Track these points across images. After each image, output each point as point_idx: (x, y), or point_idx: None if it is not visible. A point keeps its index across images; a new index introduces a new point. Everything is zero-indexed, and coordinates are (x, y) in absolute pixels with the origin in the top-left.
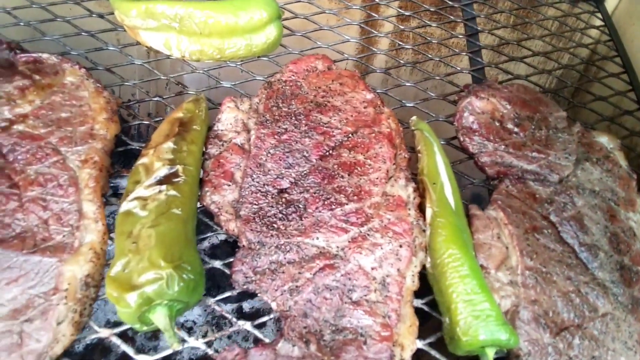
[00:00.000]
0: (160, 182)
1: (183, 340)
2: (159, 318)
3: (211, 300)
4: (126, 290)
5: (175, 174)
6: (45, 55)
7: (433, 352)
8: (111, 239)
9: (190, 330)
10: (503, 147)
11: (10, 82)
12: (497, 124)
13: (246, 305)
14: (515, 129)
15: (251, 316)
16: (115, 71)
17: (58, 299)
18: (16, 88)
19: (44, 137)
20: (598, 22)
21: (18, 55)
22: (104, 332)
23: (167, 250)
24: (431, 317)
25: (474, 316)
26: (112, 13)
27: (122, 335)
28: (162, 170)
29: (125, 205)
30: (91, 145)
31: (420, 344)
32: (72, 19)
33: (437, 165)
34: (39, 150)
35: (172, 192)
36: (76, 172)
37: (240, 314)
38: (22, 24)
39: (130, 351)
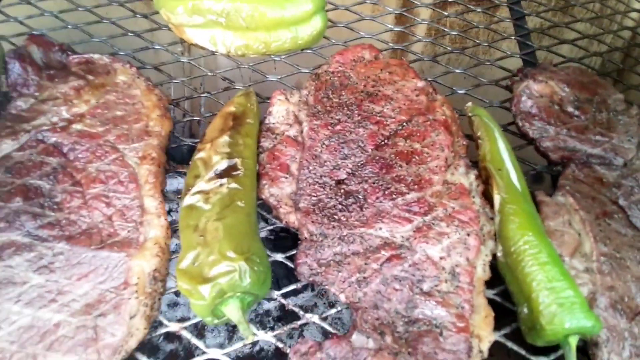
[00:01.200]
0: (220, 175)
1: (254, 334)
2: (232, 311)
3: (277, 293)
4: (199, 282)
5: (235, 167)
6: (96, 56)
7: (509, 344)
8: (174, 231)
9: (259, 324)
10: (565, 131)
11: (65, 82)
12: (557, 107)
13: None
14: (576, 112)
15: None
16: (162, 69)
17: (129, 293)
18: (72, 88)
19: (102, 135)
20: (637, 5)
21: (70, 56)
22: (173, 326)
23: (236, 242)
24: (503, 307)
25: (558, 304)
26: (156, 13)
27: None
28: (222, 164)
29: (188, 200)
30: (147, 142)
31: (495, 336)
32: (117, 20)
33: (501, 151)
34: (98, 148)
35: (234, 185)
36: (135, 168)
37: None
38: (70, 26)
39: (201, 345)
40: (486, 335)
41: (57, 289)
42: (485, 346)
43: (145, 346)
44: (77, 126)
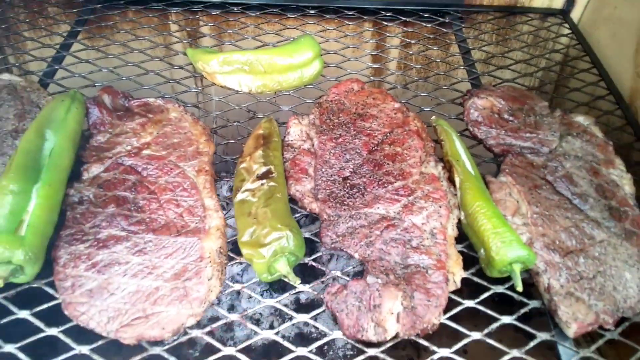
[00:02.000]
0: (260, 177)
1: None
2: (283, 266)
3: (308, 259)
4: (258, 247)
5: (270, 171)
6: (151, 100)
7: (475, 279)
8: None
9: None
10: (503, 132)
11: (132, 120)
12: (497, 115)
13: (302, 297)
14: (511, 118)
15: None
16: (200, 106)
17: (205, 263)
18: (138, 124)
19: (166, 157)
20: (566, 31)
21: (132, 101)
22: (237, 286)
23: (281, 219)
24: (469, 255)
25: (502, 242)
26: (190, 64)
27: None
28: (261, 169)
29: (240, 196)
30: (200, 159)
31: (465, 274)
32: (159, 72)
33: (457, 148)
34: (164, 167)
35: (272, 184)
36: (194, 179)
37: (298, 305)
38: (124, 78)
39: (258, 296)
40: (458, 271)
41: (151, 265)
42: (458, 279)
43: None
44: (146, 152)
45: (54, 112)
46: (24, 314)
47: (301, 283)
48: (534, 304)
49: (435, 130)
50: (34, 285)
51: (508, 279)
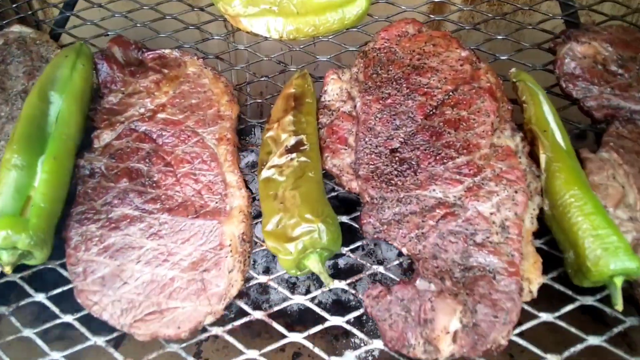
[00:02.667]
0: (289, 150)
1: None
2: (314, 263)
3: (345, 249)
4: (285, 241)
5: (301, 143)
6: (167, 51)
7: (556, 285)
8: (252, 200)
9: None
10: (609, 89)
11: (146, 77)
12: (600, 67)
13: (341, 262)
14: (620, 71)
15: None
16: (223, 58)
17: (225, 252)
18: (152, 82)
19: (183, 122)
20: None
21: (145, 53)
22: (262, 278)
23: (312, 207)
24: (550, 254)
25: (603, 249)
26: (211, 4)
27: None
28: (290, 141)
29: (265, 173)
30: (222, 125)
31: (544, 279)
32: (177, 15)
33: (545, 113)
34: (181, 134)
35: (303, 159)
36: (214, 149)
37: (337, 270)
38: (138, 24)
39: (288, 293)
40: (535, 278)
41: (167, 251)
42: (535, 287)
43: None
44: (161, 115)
45: (58, 70)
46: (40, 297)
47: (339, 279)
48: (632, 321)
49: (515, 87)
50: (49, 265)
51: (599, 287)
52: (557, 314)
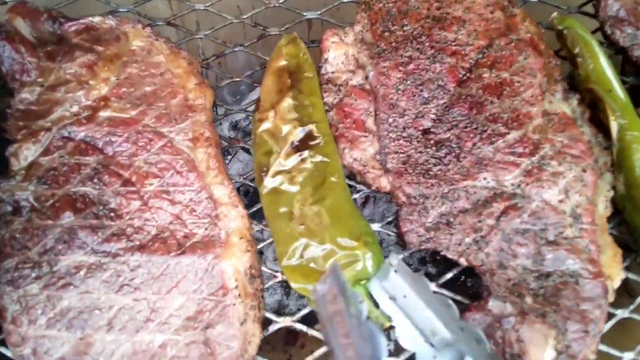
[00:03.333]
0: (297, 148)
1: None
2: (362, 304)
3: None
4: (318, 278)
5: (311, 135)
6: (97, 19)
7: (630, 275)
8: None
9: None
10: None
11: (72, 60)
12: None
13: None
14: None
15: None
16: (176, 23)
17: (232, 298)
18: (81, 66)
19: (138, 120)
20: None
21: (65, 24)
22: (284, 320)
23: (346, 226)
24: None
25: None
26: None
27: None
28: (295, 134)
29: (269, 183)
30: (194, 119)
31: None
32: None
33: (605, 69)
34: (139, 137)
35: (319, 158)
36: (190, 154)
37: None
38: None
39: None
40: (617, 273)
41: (148, 307)
42: (617, 284)
43: None
44: (104, 113)
45: None
46: None
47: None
48: None
49: (562, 36)
50: None
51: None
52: (632, 307)
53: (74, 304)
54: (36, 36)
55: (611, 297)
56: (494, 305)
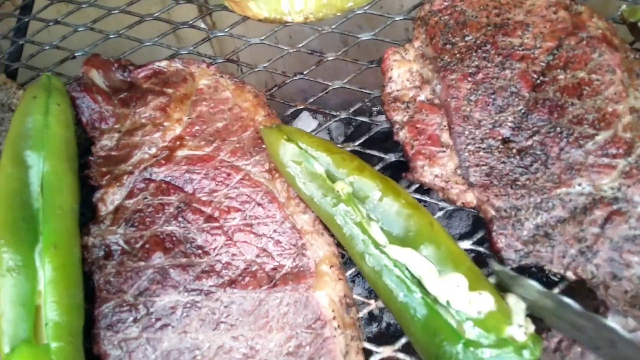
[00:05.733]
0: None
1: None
2: None
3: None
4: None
5: None
6: (163, 63)
7: None
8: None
9: None
10: None
11: (145, 104)
12: None
13: None
14: None
15: None
16: (235, 59)
17: (331, 329)
18: (155, 109)
19: (214, 156)
20: None
21: (135, 71)
22: (386, 351)
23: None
24: None
25: None
26: None
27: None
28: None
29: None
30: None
31: None
32: (159, 14)
33: None
34: (217, 172)
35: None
36: (268, 185)
37: None
38: (112, 36)
39: None
40: None
41: (248, 344)
42: None
43: None
44: (181, 152)
45: (28, 118)
46: None
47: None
48: None
49: (634, 28)
50: None
51: None
52: None
53: (174, 344)
54: (109, 85)
55: None
56: (614, 321)
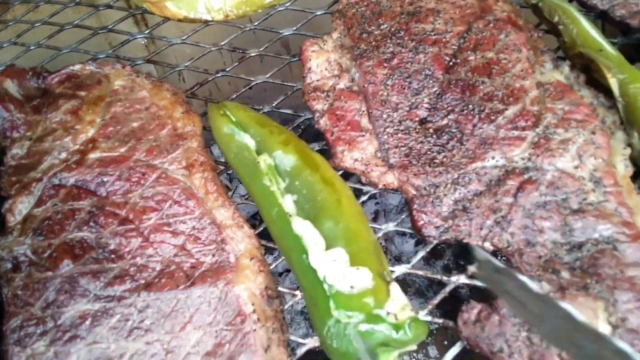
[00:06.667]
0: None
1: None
2: None
3: (406, 267)
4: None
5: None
6: (77, 67)
7: None
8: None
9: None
10: None
11: (57, 109)
12: None
13: None
14: None
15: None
16: (156, 60)
17: (250, 324)
18: (66, 113)
19: (129, 156)
20: None
21: (48, 78)
22: (312, 342)
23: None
24: None
25: None
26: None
27: None
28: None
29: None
30: (186, 147)
31: None
32: (80, 21)
33: (589, 30)
34: (131, 173)
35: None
36: (186, 181)
37: None
38: (32, 47)
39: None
40: None
41: (163, 348)
42: None
43: None
44: (93, 155)
45: None
46: None
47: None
48: None
49: (538, 10)
50: None
51: None
52: None
53: (83, 356)
54: (23, 94)
55: None
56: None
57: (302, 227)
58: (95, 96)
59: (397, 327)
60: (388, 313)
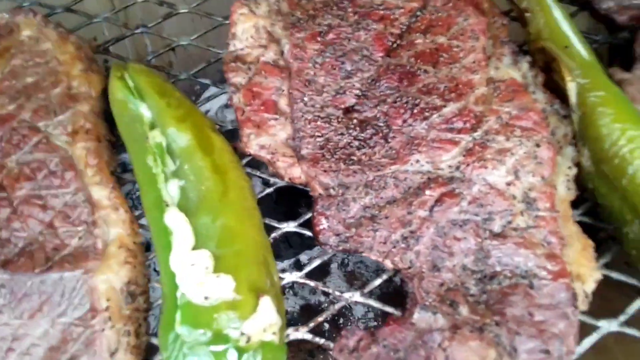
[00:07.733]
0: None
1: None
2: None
3: (298, 275)
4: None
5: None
6: None
7: (614, 275)
8: (142, 226)
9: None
10: None
11: None
12: None
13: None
14: None
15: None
16: (76, 9)
17: (100, 322)
18: None
19: (15, 115)
20: None
21: None
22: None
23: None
24: (593, 229)
25: None
26: None
27: None
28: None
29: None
30: (75, 110)
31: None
32: None
33: (559, 22)
34: (13, 134)
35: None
36: (67, 150)
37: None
38: None
39: None
40: (589, 272)
41: (10, 333)
42: (591, 287)
43: None
44: None
45: None
46: None
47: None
48: None
49: None
50: None
51: None
52: (622, 319)
53: None
54: None
55: (584, 305)
56: (419, 317)
57: (174, 220)
58: (2, 47)
59: (242, 351)
60: (242, 333)
